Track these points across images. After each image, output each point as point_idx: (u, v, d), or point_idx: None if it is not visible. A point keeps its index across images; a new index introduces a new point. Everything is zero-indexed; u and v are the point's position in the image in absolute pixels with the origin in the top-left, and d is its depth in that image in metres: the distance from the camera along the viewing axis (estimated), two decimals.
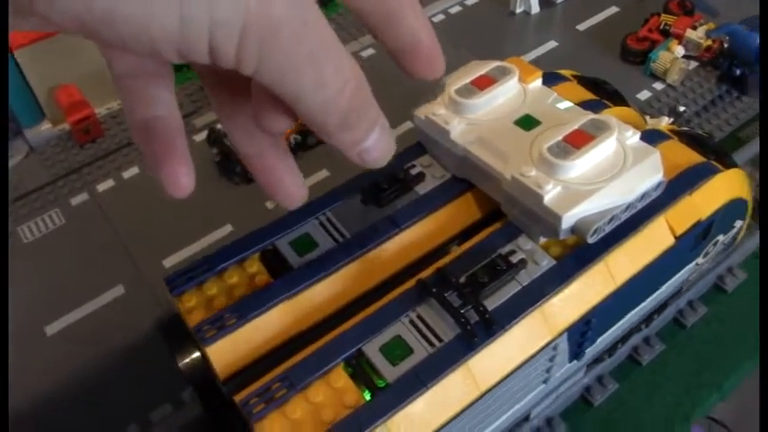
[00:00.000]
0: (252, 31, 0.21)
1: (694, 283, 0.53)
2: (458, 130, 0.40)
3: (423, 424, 0.34)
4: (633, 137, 0.38)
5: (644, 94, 0.71)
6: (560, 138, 0.37)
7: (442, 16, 0.83)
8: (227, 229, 0.63)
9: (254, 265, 0.40)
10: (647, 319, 0.49)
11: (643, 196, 0.37)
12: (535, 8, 0.81)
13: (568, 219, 0.35)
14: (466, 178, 0.42)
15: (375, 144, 0.27)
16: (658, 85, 0.71)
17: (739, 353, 0.52)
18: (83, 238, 0.64)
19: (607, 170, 0.36)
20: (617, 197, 0.36)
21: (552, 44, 0.78)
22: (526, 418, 0.45)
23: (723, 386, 0.50)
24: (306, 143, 0.67)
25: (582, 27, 0.80)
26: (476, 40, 0.79)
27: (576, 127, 0.37)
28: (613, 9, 0.82)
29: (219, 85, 0.30)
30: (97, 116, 0.73)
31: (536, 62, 0.75)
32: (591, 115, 0.38)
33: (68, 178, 0.70)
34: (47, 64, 0.69)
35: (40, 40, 0.67)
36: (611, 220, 0.36)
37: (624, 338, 0.48)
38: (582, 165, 0.36)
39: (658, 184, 0.38)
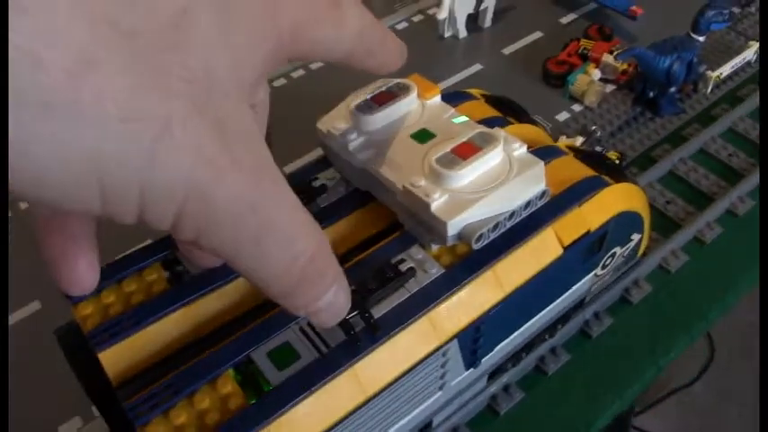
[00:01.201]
0: (190, 213, 0.20)
1: (600, 295, 0.55)
2: (356, 143, 0.42)
3: (308, 427, 0.34)
4: (520, 149, 0.39)
5: (563, 116, 0.73)
6: (449, 149, 0.38)
7: None
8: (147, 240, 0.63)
9: (154, 274, 0.40)
10: (551, 329, 0.50)
11: (527, 205, 0.39)
12: (463, 33, 0.84)
13: (454, 225, 0.37)
14: (368, 190, 0.43)
15: (328, 306, 0.25)
16: (576, 107, 0.74)
17: (642, 362, 0.53)
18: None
19: (492, 179, 0.38)
20: (501, 205, 0.38)
21: (478, 67, 0.80)
22: (428, 426, 0.46)
23: (624, 394, 0.52)
24: None
25: (507, 51, 0.82)
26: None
27: (464, 139, 0.39)
28: (537, 34, 0.84)
29: None
30: None
31: (462, 84, 0.77)
32: (480, 128, 0.40)
33: None
34: None
35: None
36: (495, 226, 0.38)
37: (528, 348, 0.50)
38: (468, 174, 0.37)
39: (542, 194, 0.39)
